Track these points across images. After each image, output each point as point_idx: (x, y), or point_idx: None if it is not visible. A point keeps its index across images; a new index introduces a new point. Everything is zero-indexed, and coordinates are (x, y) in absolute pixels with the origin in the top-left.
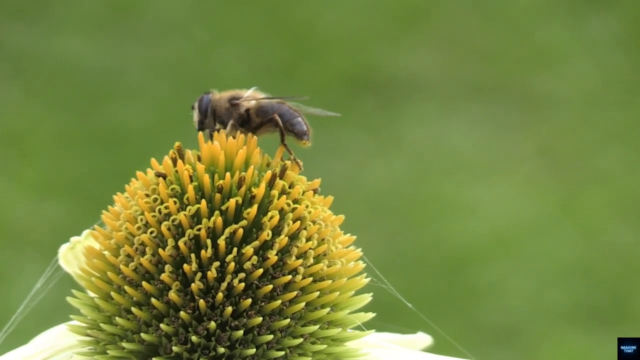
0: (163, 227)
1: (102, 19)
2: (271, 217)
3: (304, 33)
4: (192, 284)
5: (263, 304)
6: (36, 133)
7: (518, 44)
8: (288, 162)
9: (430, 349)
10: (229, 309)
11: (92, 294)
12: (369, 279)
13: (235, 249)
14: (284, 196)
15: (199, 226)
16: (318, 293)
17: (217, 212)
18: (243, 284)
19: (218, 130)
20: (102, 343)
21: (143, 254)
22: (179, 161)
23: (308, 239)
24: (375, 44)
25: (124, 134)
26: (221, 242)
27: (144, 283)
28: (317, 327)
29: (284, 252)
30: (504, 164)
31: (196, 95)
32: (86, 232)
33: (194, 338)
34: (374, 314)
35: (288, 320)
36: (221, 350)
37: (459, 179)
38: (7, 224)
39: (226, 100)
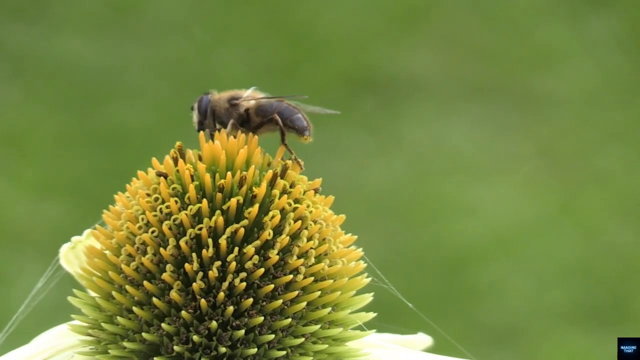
0: (164, 227)
1: (102, 19)
2: (272, 217)
3: (304, 33)
4: (194, 284)
5: (264, 303)
6: (36, 133)
7: (518, 44)
8: (289, 162)
9: (431, 349)
10: (231, 309)
11: (93, 294)
12: (370, 278)
13: (236, 249)
14: (285, 196)
15: (200, 225)
16: (319, 293)
17: (218, 212)
18: (244, 284)
19: (219, 130)
20: (103, 342)
21: (144, 253)
22: (180, 161)
23: (309, 239)
24: (375, 44)
25: (124, 134)
26: (222, 241)
27: (145, 282)
28: (318, 326)
29: (285, 251)
30: (504, 164)
31: (196, 96)
32: (87, 231)
33: (195, 337)
34: (375, 314)
35: (289, 319)
36: (222, 349)
37: (459, 179)
38: (7, 224)
39: (225, 101)
